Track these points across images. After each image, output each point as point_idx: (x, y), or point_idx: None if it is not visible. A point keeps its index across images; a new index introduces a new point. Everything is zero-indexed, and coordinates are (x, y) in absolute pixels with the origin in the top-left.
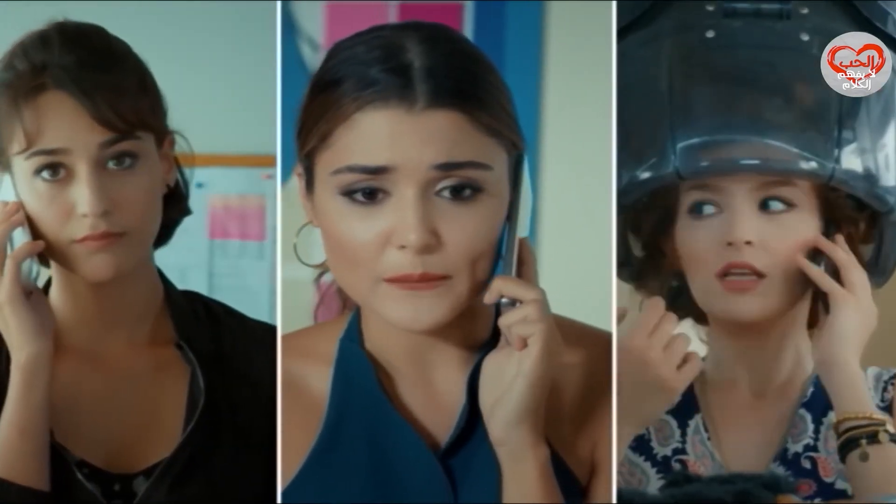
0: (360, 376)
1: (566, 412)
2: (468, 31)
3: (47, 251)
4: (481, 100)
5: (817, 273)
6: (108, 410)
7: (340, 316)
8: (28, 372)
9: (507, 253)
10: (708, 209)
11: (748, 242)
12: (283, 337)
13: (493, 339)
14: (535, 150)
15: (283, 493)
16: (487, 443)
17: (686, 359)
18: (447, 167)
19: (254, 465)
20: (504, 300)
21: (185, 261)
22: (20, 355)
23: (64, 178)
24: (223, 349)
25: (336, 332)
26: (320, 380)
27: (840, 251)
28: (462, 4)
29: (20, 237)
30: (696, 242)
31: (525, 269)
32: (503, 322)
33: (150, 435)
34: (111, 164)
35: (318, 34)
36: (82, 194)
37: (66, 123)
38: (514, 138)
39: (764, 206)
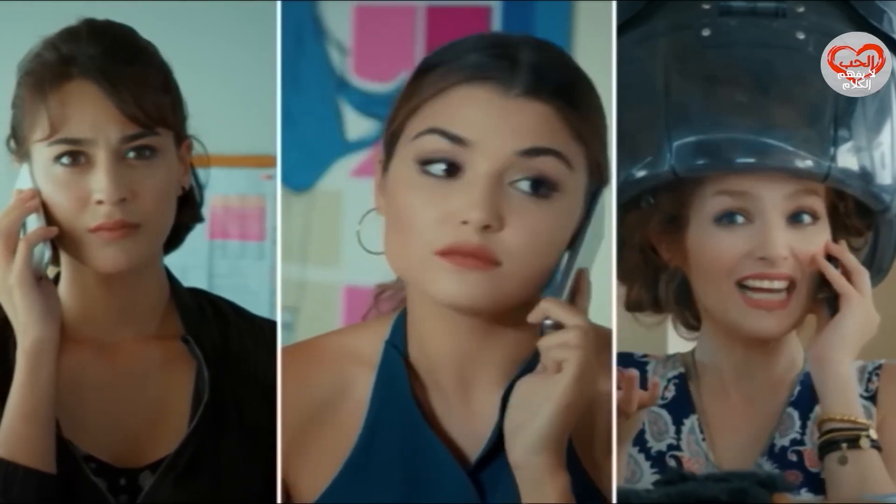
0: (398, 386)
1: (598, 437)
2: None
3: (60, 240)
4: (577, 105)
5: (835, 275)
6: (115, 404)
7: (384, 317)
8: (34, 356)
9: (563, 276)
10: (738, 219)
11: (784, 258)
12: (327, 335)
13: (535, 361)
14: None
15: (320, 498)
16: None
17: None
18: (528, 153)
19: (260, 461)
20: (548, 322)
21: (185, 261)
22: (26, 339)
23: (83, 165)
24: (230, 345)
25: (380, 333)
26: (363, 385)
27: (851, 256)
28: (490, 6)
29: (34, 224)
30: (721, 251)
31: (578, 299)
32: (542, 343)
33: (156, 429)
34: (130, 155)
35: (347, 38)
36: (100, 182)
37: (92, 114)
38: (601, 162)
39: (795, 218)
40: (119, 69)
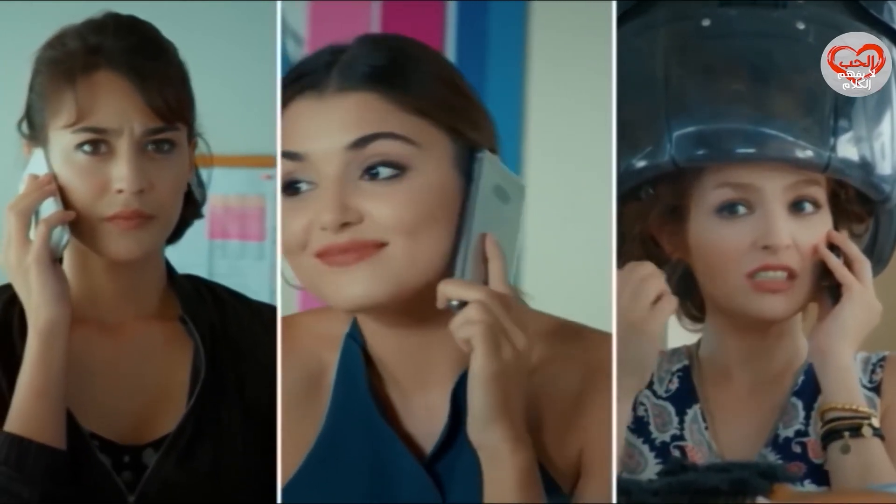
0: (357, 379)
1: (549, 417)
2: (451, 28)
3: (72, 226)
4: (404, 81)
5: (837, 264)
6: (117, 383)
7: None
8: (47, 335)
9: (458, 254)
10: (739, 210)
11: (787, 246)
12: (303, 313)
13: None
14: (525, 143)
15: (285, 487)
16: (470, 447)
17: (659, 297)
18: (357, 144)
19: (262, 439)
20: (454, 303)
21: (184, 261)
22: (39, 319)
23: (104, 154)
24: (228, 324)
25: (346, 320)
26: (330, 369)
27: (853, 246)
28: (445, 4)
29: (49, 208)
30: (725, 243)
31: (493, 266)
32: (450, 326)
33: (157, 407)
34: (150, 148)
35: (302, 29)
36: (121, 171)
37: (119, 105)
38: (460, 127)
39: (796, 206)
40: (145, 64)
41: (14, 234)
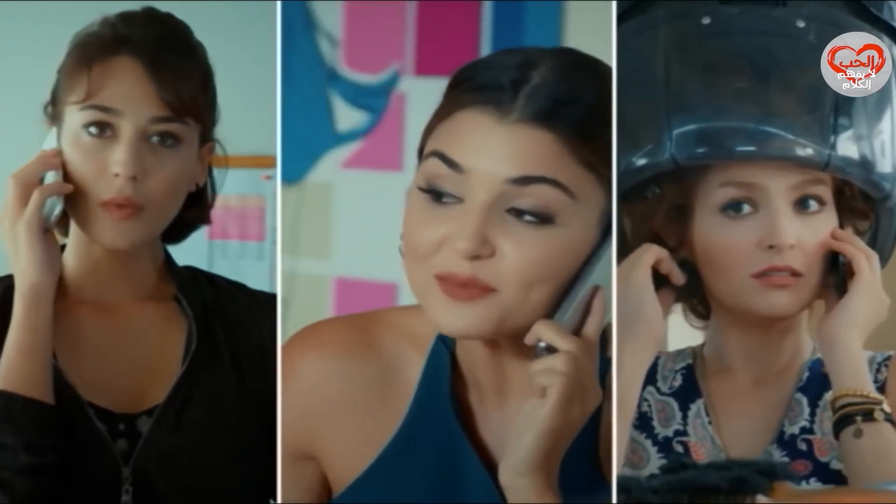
0: (441, 382)
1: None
2: (486, 30)
3: (72, 208)
4: (583, 128)
5: (853, 251)
6: (114, 356)
7: None
8: (31, 298)
9: (567, 297)
10: (744, 208)
11: (791, 246)
12: (389, 309)
13: None
14: None
15: (349, 488)
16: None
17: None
18: (519, 181)
19: (256, 416)
20: (541, 345)
21: (184, 261)
22: (24, 283)
23: (108, 138)
24: (222, 303)
25: None
26: (412, 369)
27: (859, 240)
28: (480, 4)
29: (50, 180)
30: (730, 242)
31: (591, 319)
32: (531, 368)
33: (152, 379)
34: (154, 139)
35: (337, 30)
36: (119, 154)
37: (128, 88)
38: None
39: (801, 205)
40: (166, 57)
41: (11, 199)
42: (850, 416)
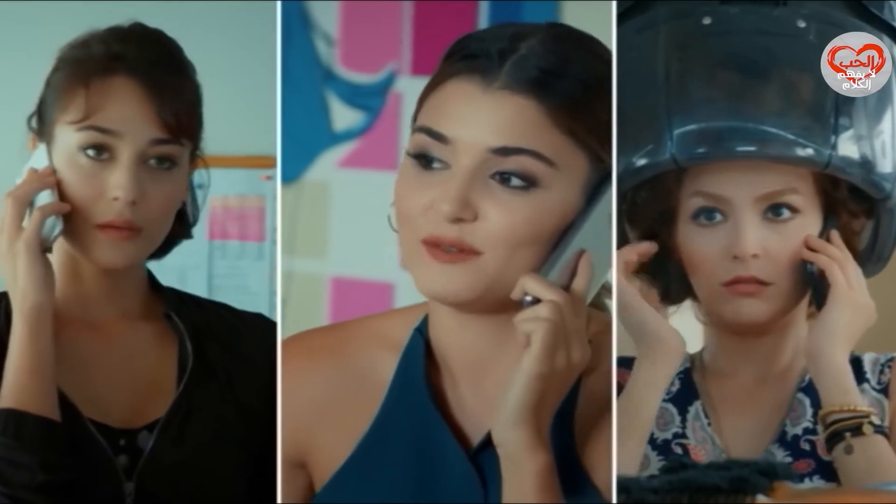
0: (415, 368)
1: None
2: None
3: (66, 228)
4: (568, 98)
5: (826, 261)
6: (108, 374)
7: (420, 305)
8: (33, 319)
9: (553, 256)
10: (716, 216)
11: (754, 255)
12: (359, 319)
13: None
14: None
15: (330, 481)
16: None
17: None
18: (502, 151)
19: (252, 430)
20: (527, 298)
21: (184, 262)
22: (25, 304)
23: (106, 161)
24: (210, 323)
25: (412, 321)
26: (386, 368)
27: (834, 249)
28: (477, 4)
29: (46, 200)
30: (701, 251)
31: (577, 278)
32: (515, 319)
33: (149, 396)
34: (152, 162)
35: (333, 29)
36: (119, 178)
37: (129, 110)
38: (602, 152)
39: (773, 212)
40: (164, 77)
41: (8, 219)
42: (839, 434)
